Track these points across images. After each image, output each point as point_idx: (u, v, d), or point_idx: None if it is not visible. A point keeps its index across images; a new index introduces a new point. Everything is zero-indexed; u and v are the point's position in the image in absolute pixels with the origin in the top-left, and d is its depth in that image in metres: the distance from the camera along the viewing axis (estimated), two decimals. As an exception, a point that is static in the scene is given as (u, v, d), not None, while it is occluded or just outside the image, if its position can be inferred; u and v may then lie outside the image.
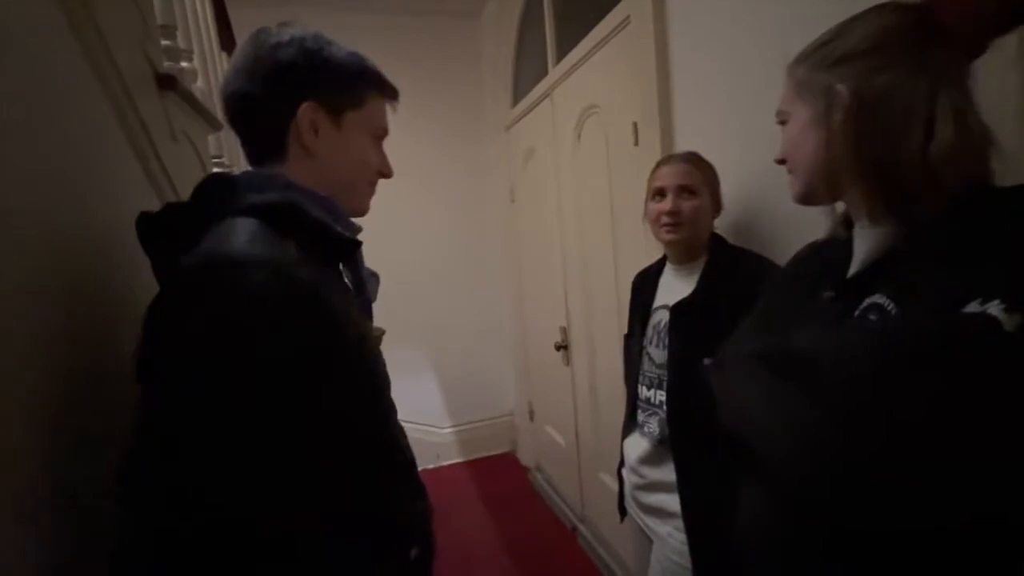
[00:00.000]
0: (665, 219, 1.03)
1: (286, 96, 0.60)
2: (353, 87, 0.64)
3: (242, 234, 0.51)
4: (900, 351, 0.39)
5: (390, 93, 0.69)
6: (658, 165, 1.09)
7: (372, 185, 0.70)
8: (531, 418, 2.76)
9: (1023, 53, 0.60)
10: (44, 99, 0.62)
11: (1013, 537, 0.40)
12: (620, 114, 1.59)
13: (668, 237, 1.05)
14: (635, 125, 1.49)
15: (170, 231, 0.56)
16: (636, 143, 1.49)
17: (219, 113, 1.39)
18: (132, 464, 0.48)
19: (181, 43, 1.18)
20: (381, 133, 0.69)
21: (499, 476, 2.86)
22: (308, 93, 0.61)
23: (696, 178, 1.03)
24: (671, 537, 1.01)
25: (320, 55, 0.61)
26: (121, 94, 0.82)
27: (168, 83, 0.99)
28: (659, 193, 1.06)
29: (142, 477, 0.47)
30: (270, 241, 0.52)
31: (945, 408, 0.36)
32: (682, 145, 1.34)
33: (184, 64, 1.18)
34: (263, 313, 0.47)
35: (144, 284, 0.64)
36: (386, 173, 0.70)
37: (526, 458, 2.92)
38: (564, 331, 2.19)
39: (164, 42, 1.08)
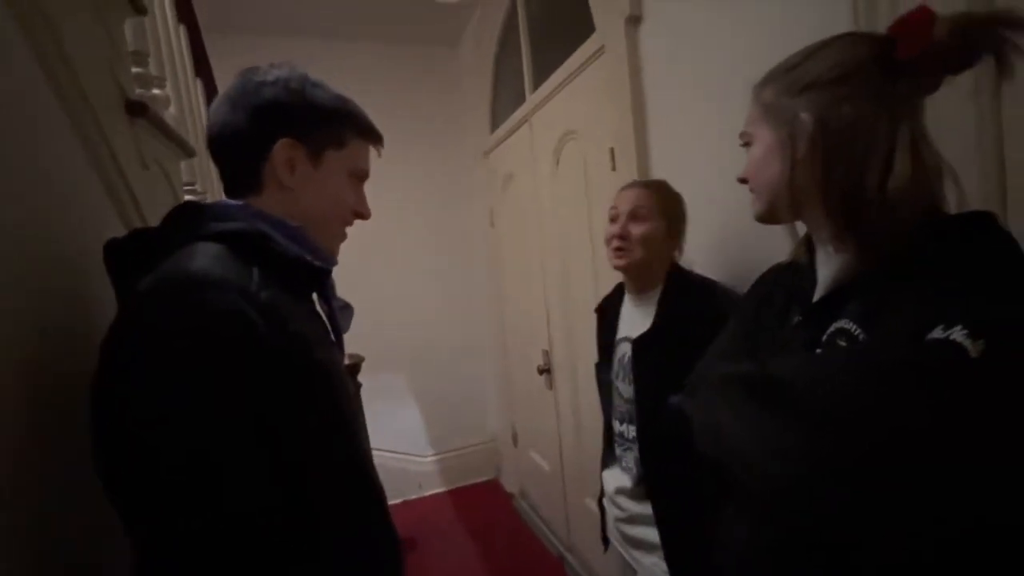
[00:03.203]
0: (615, 243, 1.02)
1: (265, 131, 0.62)
2: (334, 128, 0.65)
3: (201, 257, 0.52)
4: (872, 376, 0.41)
5: (374, 138, 0.70)
6: (618, 191, 1.09)
7: (345, 225, 0.71)
8: (515, 443, 2.72)
9: (978, 89, 0.63)
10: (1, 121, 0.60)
11: (1016, 549, 0.40)
12: (597, 140, 1.62)
13: (616, 262, 1.04)
14: (612, 151, 1.52)
15: (135, 257, 0.56)
16: (613, 168, 1.52)
17: (193, 140, 1.37)
18: (109, 479, 0.49)
19: (153, 70, 1.17)
20: (361, 174, 0.70)
21: (483, 504, 2.79)
22: (287, 130, 0.62)
23: (649, 203, 1.02)
24: (656, 567, 0.99)
25: (302, 95, 0.63)
26: (88, 120, 0.80)
27: (138, 110, 0.97)
28: (613, 218, 1.05)
29: (122, 491, 0.48)
30: (231, 265, 0.52)
31: (916, 426, 0.38)
32: (657, 169, 1.36)
33: (156, 91, 1.16)
34: (215, 331, 0.47)
35: (106, 310, 0.61)
36: (363, 214, 0.71)
37: (510, 484, 2.86)
38: (546, 354, 2.18)
39: (135, 69, 1.06)
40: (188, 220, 0.58)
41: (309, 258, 0.60)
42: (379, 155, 0.73)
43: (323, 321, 0.67)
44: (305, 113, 0.63)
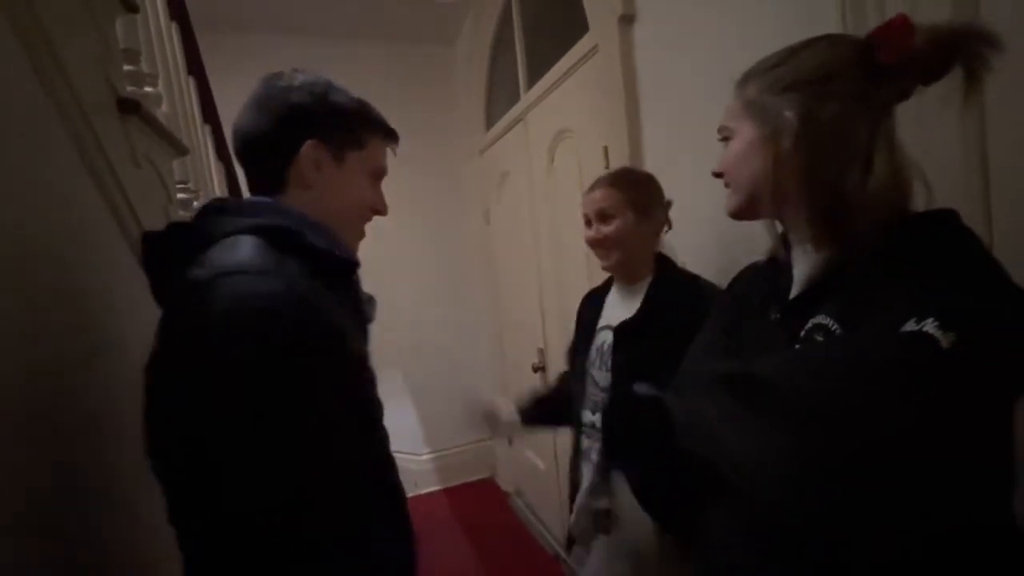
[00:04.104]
0: (596, 249, 1.03)
1: (292, 133, 0.65)
2: (356, 130, 0.69)
3: (247, 248, 0.54)
4: (853, 372, 0.42)
5: (391, 138, 0.74)
6: (584, 193, 1.07)
7: (364, 221, 0.74)
8: (510, 442, 2.72)
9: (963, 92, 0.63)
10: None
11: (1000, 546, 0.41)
12: (591, 138, 1.63)
13: (603, 264, 1.04)
14: (606, 149, 1.52)
15: (173, 248, 0.58)
16: (607, 167, 1.52)
17: (186, 138, 1.36)
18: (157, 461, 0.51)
19: (145, 67, 1.16)
20: (380, 173, 0.74)
21: (479, 502, 2.80)
22: (312, 132, 0.65)
23: (614, 200, 1.00)
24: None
25: (327, 99, 0.67)
26: (78, 117, 0.80)
27: (130, 107, 0.97)
28: (587, 222, 1.04)
29: (168, 475, 0.50)
30: (273, 256, 0.55)
31: (899, 421, 0.39)
32: (651, 167, 1.36)
33: (148, 89, 1.15)
34: (277, 317, 0.50)
35: (95, 309, 0.60)
36: (381, 210, 0.74)
37: (506, 483, 2.86)
38: (541, 352, 2.18)
39: (127, 67, 1.06)
40: (223, 215, 0.60)
41: (338, 252, 0.63)
42: (394, 154, 0.76)
43: (353, 312, 0.69)
44: (329, 116, 0.66)
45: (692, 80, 1.19)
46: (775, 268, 0.62)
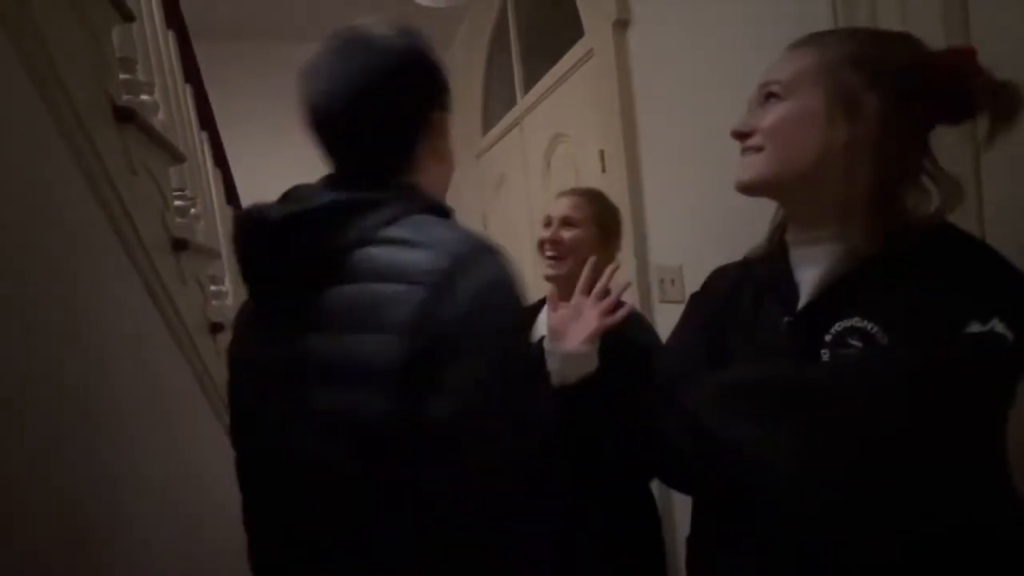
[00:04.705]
0: (548, 250, 0.99)
1: (420, 104, 0.58)
2: (446, 90, 0.62)
3: (450, 226, 0.53)
4: (928, 374, 0.42)
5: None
6: (555, 197, 1.05)
7: None
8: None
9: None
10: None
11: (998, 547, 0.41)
12: (587, 142, 1.63)
13: (550, 272, 0.98)
14: (601, 153, 1.53)
15: (343, 225, 0.52)
16: (603, 170, 1.53)
17: (183, 146, 1.36)
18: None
19: (142, 76, 1.17)
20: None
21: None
22: (435, 100, 0.59)
23: (583, 212, 0.98)
24: None
25: (429, 57, 0.59)
26: (75, 125, 0.80)
27: (126, 116, 0.97)
28: (547, 223, 1.01)
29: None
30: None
31: (964, 419, 0.40)
32: (647, 171, 1.37)
33: (145, 97, 1.16)
34: (518, 292, 0.52)
35: (96, 301, 0.60)
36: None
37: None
38: (540, 356, 2.18)
39: (123, 75, 1.06)
40: (382, 192, 0.55)
41: None
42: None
43: None
44: (438, 79, 0.60)
45: (688, 83, 1.19)
46: (763, 270, 0.59)
